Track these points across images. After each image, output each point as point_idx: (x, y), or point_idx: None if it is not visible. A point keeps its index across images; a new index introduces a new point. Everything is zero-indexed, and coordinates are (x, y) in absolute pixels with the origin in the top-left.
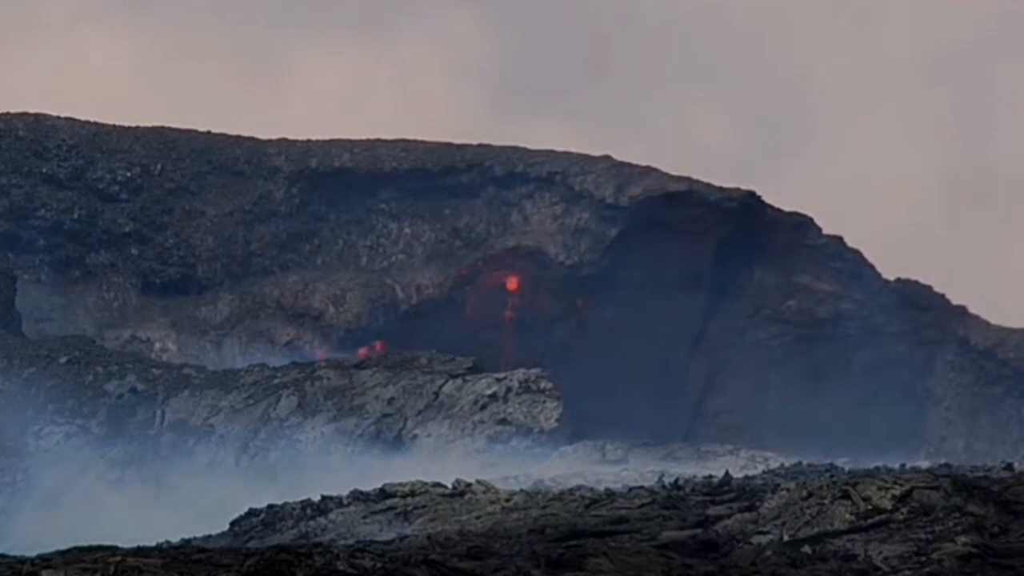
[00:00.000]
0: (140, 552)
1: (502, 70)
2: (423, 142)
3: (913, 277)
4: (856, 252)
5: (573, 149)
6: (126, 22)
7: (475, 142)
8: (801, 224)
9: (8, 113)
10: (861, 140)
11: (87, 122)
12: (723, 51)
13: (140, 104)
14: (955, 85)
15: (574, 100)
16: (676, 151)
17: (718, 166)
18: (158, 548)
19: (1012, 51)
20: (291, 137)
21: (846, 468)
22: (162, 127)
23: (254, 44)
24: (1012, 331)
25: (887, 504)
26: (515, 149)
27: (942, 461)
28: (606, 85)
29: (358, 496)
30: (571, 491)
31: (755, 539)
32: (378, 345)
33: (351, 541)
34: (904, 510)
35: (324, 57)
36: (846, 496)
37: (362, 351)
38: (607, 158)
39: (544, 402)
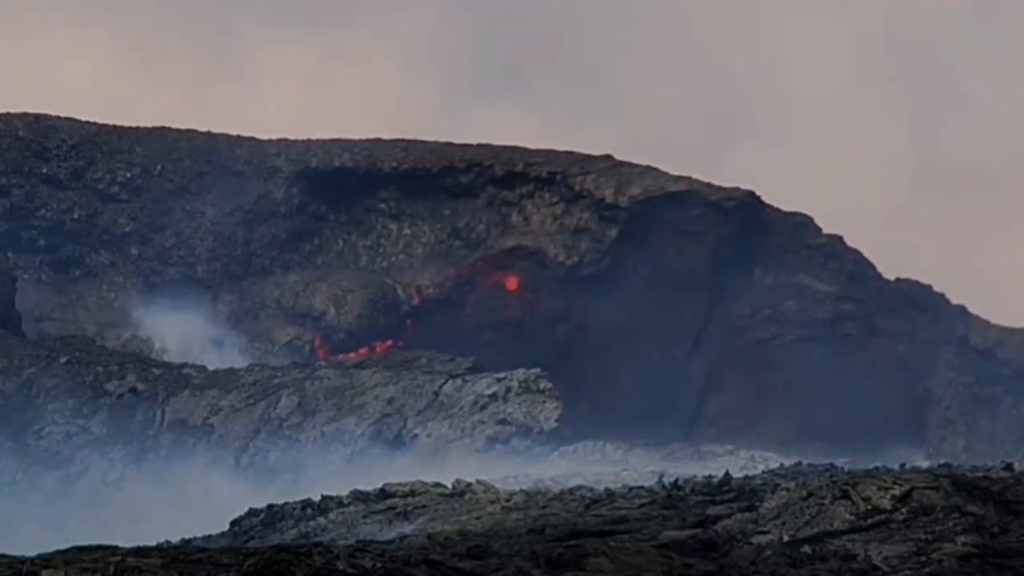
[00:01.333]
0: (140, 552)
1: (462, 62)
2: (422, 142)
3: (911, 276)
4: (856, 252)
5: (535, 140)
6: (89, 21)
7: (474, 142)
8: (801, 224)
9: (8, 113)
10: (828, 134)
11: (87, 122)
12: (690, 44)
13: (109, 101)
14: (919, 78)
15: (535, 93)
16: (643, 143)
17: (683, 159)
18: (158, 548)
19: (979, 45)
20: (290, 137)
21: (846, 468)
22: (162, 127)
23: (217, 39)
24: (1012, 331)
25: (887, 504)
26: (515, 149)
27: (942, 461)
28: (569, 77)
29: (358, 496)
30: (571, 491)
31: (755, 539)
32: (378, 347)
33: (351, 541)
34: (904, 510)
35: (286, 50)
36: (846, 496)
37: (362, 351)
38: (607, 158)
39: (544, 402)
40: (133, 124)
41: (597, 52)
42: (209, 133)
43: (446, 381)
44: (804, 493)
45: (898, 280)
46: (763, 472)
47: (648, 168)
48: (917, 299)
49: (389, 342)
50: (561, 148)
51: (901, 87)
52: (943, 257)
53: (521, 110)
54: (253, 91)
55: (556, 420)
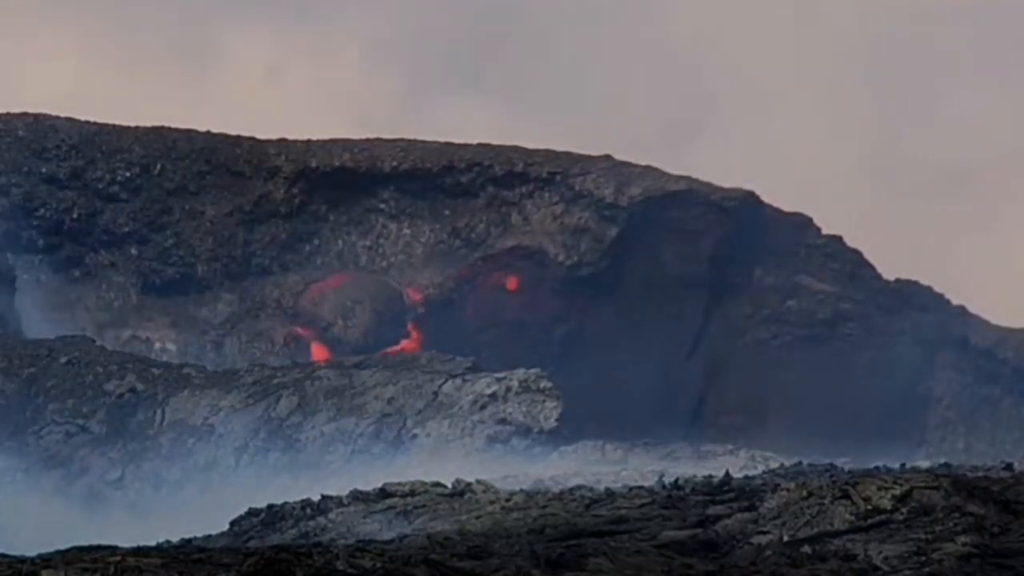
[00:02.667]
0: (140, 552)
1: (421, 53)
2: (422, 142)
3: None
4: (856, 252)
5: (502, 136)
6: (61, 19)
7: (475, 141)
8: (801, 224)
9: (8, 113)
10: (784, 126)
11: (87, 122)
12: (656, 39)
13: (85, 100)
14: (894, 75)
15: (499, 88)
16: (605, 133)
17: (649, 156)
18: (158, 548)
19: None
20: (290, 137)
21: (846, 468)
22: (162, 127)
23: (181, 32)
24: (1012, 331)
25: (887, 504)
26: (515, 149)
27: (942, 461)
28: (533, 72)
29: (358, 496)
30: (571, 491)
31: (755, 539)
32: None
33: (351, 541)
34: (904, 510)
35: (250, 40)
36: (846, 496)
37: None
38: (607, 158)
39: (544, 402)
40: (132, 124)
41: (562, 48)
42: (209, 133)
43: (446, 381)
44: (804, 493)
45: (898, 280)
46: (763, 472)
47: (648, 168)
48: (917, 299)
49: (391, 348)
50: (529, 145)
51: (876, 84)
52: (929, 256)
53: (485, 105)
54: (215, 85)
55: (556, 420)
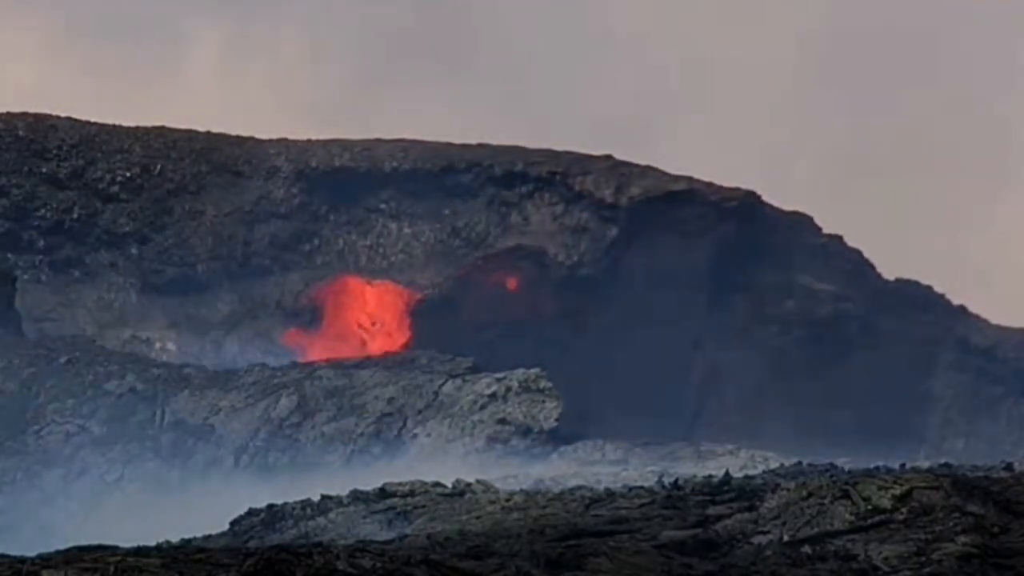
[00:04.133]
0: (140, 552)
1: (372, 49)
2: (422, 142)
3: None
4: (856, 252)
5: (458, 131)
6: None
7: (475, 142)
8: (801, 224)
9: (8, 113)
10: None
11: (87, 122)
12: (613, 34)
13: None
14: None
15: (450, 84)
16: (565, 127)
17: (606, 141)
18: (158, 548)
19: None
20: (290, 137)
21: (846, 468)
22: (162, 127)
23: (138, 24)
24: (1012, 331)
25: (887, 504)
26: (515, 149)
27: (942, 461)
28: (487, 69)
29: (358, 496)
30: (571, 491)
31: (755, 539)
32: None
33: (351, 541)
34: (904, 510)
35: (208, 32)
36: (846, 496)
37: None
38: (607, 158)
39: (544, 402)
40: (133, 124)
41: (518, 43)
42: (209, 133)
43: (446, 381)
44: (804, 493)
45: (898, 280)
46: (763, 472)
47: (648, 168)
48: (917, 299)
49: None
50: (495, 140)
51: (846, 82)
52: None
53: (437, 101)
54: (169, 80)
55: (556, 420)
